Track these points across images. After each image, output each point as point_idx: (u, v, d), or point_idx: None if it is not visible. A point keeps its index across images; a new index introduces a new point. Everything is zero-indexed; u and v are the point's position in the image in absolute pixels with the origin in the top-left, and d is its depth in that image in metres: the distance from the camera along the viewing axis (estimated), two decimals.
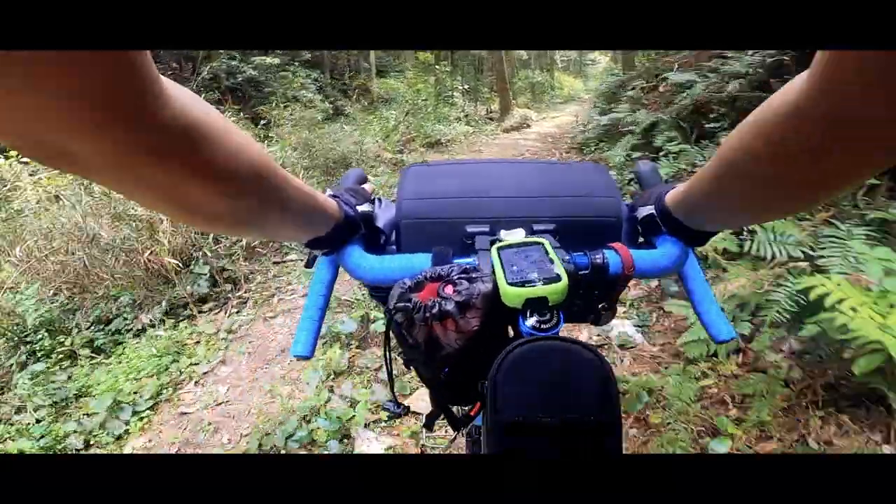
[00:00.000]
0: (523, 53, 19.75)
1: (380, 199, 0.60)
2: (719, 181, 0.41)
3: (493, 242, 0.51)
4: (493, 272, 0.45)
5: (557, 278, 0.43)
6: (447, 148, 7.24)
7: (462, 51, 14.02)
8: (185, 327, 2.65)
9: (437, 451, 1.67)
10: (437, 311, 0.42)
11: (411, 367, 0.50)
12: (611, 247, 0.52)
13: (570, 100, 18.01)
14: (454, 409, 0.52)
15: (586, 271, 0.50)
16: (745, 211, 0.46)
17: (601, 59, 36.49)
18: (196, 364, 2.36)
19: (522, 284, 0.42)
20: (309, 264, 0.57)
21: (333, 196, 0.53)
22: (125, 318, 2.68)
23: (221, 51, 9.44)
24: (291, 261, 3.39)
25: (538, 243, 0.48)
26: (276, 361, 2.33)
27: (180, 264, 2.85)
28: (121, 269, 2.76)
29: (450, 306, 0.42)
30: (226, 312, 2.82)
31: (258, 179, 0.36)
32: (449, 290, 0.43)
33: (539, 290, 0.42)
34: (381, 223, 0.57)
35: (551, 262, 0.45)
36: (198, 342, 2.53)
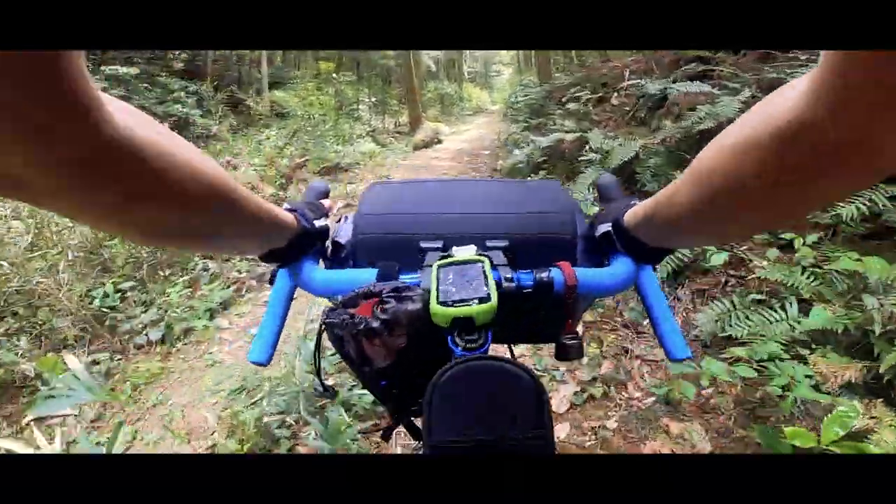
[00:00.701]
0: (431, 64, 19.52)
1: (346, 217, 0.62)
2: (693, 203, 0.40)
3: (442, 258, 0.52)
4: (430, 291, 0.46)
5: (486, 298, 0.43)
6: (348, 174, 6.19)
7: (369, 60, 13.28)
8: None
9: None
10: (363, 328, 0.42)
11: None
12: (557, 265, 0.52)
13: (479, 111, 18.04)
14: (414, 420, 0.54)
15: (529, 290, 0.50)
16: (720, 232, 0.47)
17: (505, 71, 37.93)
18: None
19: (451, 304, 0.43)
20: (271, 280, 0.58)
21: (291, 210, 0.53)
22: None
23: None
24: None
25: (478, 261, 0.49)
26: None
27: None
28: None
29: (376, 324, 0.42)
30: None
31: (211, 197, 0.35)
32: (379, 309, 0.44)
33: (465, 310, 0.42)
34: (343, 239, 0.59)
35: (485, 281, 0.45)
36: None
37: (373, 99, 12.14)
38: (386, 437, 0.56)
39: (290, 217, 0.51)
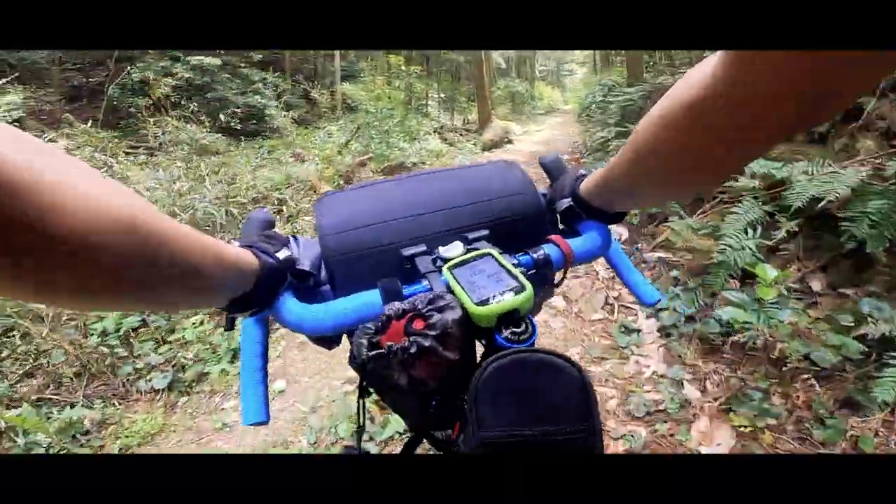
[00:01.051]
0: (501, 61, 18.86)
1: (295, 238, 0.55)
2: (631, 170, 0.45)
3: (435, 262, 0.50)
4: (456, 295, 0.44)
5: (522, 288, 0.43)
6: None
7: (438, 56, 12.92)
8: None
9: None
10: (415, 351, 0.40)
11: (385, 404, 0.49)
12: (549, 240, 0.55)
13: (551, 111, 17.06)
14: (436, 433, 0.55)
15: (532, 270, 0.51)
16: (658, 194, 0.51)
17: (578, 70, 36.32)
18: None
19: (489, 302, 0.42)
20: (229, 326, 0.51)
21: (247, 246, 0.47)
22: None
23: (153, 50, 8.10)
24: None
25: (487, 254, 0.49)
26: None
27: None
28: None
29: (427, 342, 0.40)
30: None
31: (123, 248, 0.27)
32: (419, 324, 0.42)
33: (509, 303, 0.42)
34: (305, 265, 0.51)
35: (508, 271, 0.45)
36: None
37: (442, 95, 11.72)
38: (410, 453, 0.56)
39: (248, 255, 0.44)
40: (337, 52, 12.30)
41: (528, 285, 0.43)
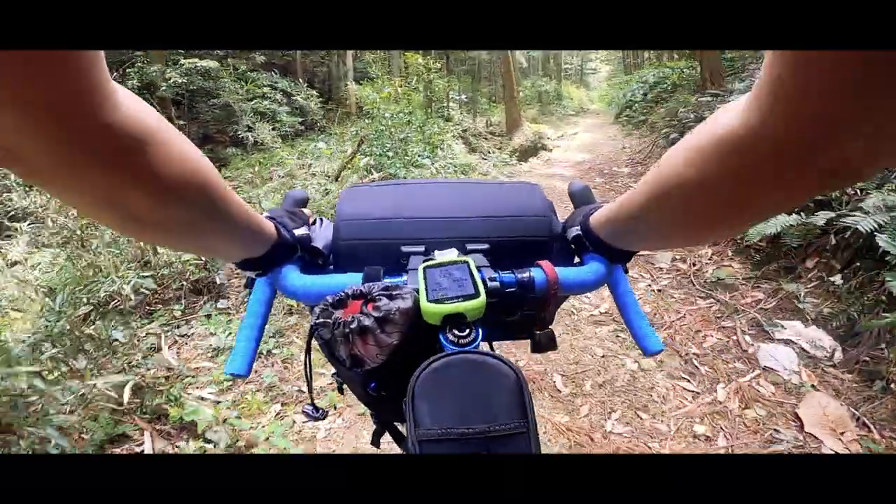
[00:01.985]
0: (523, 60, 17.61)
1: (321, 219, 0.60)
2: (648, 206, 0.41)
3: (426, 261, 0.52)
4: (418, 290, 0.46)
5: (475, 295, 0.44)
6: None
7: (458, 54, 11.79)
8: None
9: None
10: (356, 327, 0.42)
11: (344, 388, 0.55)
12: (538, 264, 0.54)
13: (581, 112, 15.69)
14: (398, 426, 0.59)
15: (513, 288, 0.51)
16: (674, 235, 0.46)
17: (603, 68, 34.75)
18: None
19: (441, 301, 0.44)
20: (248, 285, 0.57)
21: (271, 218, 0.52)
22: None
23: (161, 52, 7.21)
24: None
25: (464, 262, 0.50)
26: None
27: None
28: None
29: (368, 322, 0.42)
30: None
31: (202, 191, 0.35)
32: (370, 307, 0.44)
33: (457, 306, 0.43)
34: (320, 244, 0.57)
35: (472, 279, 0.46)
36: None
37: (462, 96, 10.53)
38: (376, 442, 0.61)
39: (269, 226, 0.50)
40: (349, 53, 11.30)
41: (483, 294, 0.44)
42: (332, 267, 0.58)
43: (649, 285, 2.84)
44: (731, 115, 0.29)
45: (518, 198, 0.61)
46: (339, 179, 4.02)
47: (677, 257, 3.12)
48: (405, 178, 4.34)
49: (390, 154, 4.83)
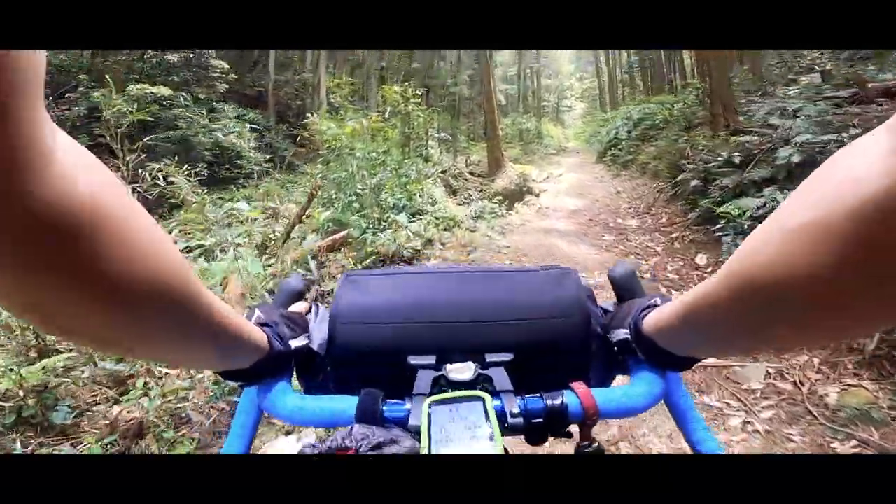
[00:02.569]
0: (501, 97, 17.52)
1: (317, 307, 0.55)
2: (735, 309, 0.31)
3: (435, 382, 0.46)
4: (420, 437, 0.41)
5: (489, 442, 0.39)
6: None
7: (437, 92, 11.38)
8: None
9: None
10: None
11: None
12: (570, 386, 0.46)
13: (562, 151, 15.42)
14: None
15: (539, 419, 0.44)
16: (766, 343, 0.37)
17: (577, 105, 35.55)
18: None
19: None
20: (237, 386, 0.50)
21: (263, 324, 0.46)
22: None
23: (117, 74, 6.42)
24: None
25: (478, 398, 0.43)
26: None
27: None
28: None
29: None
30: None
31: (166, 296, 0.27)
32: None
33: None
34: (317, 344, 0.50)
35: (489, 424, 0.41)
36: None
37: (441, 134, 9.99)
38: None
39: (260, 336, 0.43)
40: (323, 85, 10.69)
41: (500, 444, 0.39)
42: (327, 378, 0.51)
43: (745, 422, 1.91)
44: (865, 166, 0.21)
45: (548, 292, 0.51)
46: (286, 243, 3.19)
47: (770, 370, 2.20)
48: (371, 241, 3.55)
49: (356, 206, 4.05)
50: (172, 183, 2.85)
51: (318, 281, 2.90)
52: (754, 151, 4.13)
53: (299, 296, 0.55)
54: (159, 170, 2.90)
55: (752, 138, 4.34)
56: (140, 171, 3.48)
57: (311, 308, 0.53)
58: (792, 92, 6.08)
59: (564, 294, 0.51)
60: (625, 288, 0.54)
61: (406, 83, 7.59)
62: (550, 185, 8.09)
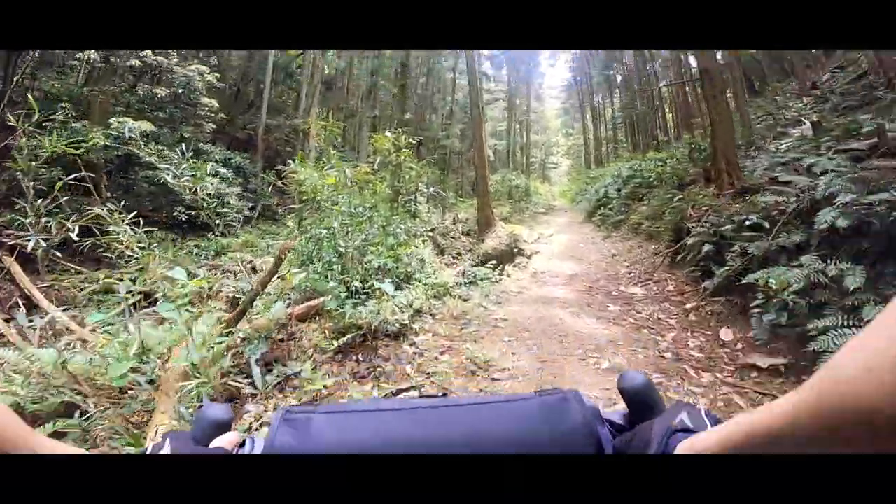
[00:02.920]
0: (490, 153, 17.74)
1: (252, 441, 0.46)
2: (819, 439, 0.28)
3: None
4: None
5: None
6: (398, 370, 2.96)
7: (429, 144, 11.34)
8: None
9: None
10: None
11: None
12: None
13: (550, 210, 15.42)
14: None
15: None
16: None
17: (563, 162, 36.56)
18: None
19: None
20: None
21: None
22: None
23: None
24: None
25: None
26: None
27: None
28: None
29: None
30: None
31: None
32: None
33: None
34: None
35: None
36: None
37: (430, 189, 9.80)
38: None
39: None
40: (313, 132, 10.53)
41: None
42: None
43: None
44: None
45: (545, 421, 0.45)
46: (246, 314, 2.72)
47: None
48: (351, 313, 3.09)
49: (335, 268, 3.63)
50: (108, 233, 2.42)
51: (262, 392, 2.41)
52: (772, 213, 3.75)
53: (224, 427, 0.47)
54: (97, 215, 2.46)
55: (768, 198, 3.96)
56: (73, 215, 3.07)
57: (243, 442, 0.46)
58: (784, 146, 5.94)
59: (566, 423, 0.45)
60: (640, 402, 0.49)
61: (399, 129, 7.39)
62: (542, 246, 7.84)
